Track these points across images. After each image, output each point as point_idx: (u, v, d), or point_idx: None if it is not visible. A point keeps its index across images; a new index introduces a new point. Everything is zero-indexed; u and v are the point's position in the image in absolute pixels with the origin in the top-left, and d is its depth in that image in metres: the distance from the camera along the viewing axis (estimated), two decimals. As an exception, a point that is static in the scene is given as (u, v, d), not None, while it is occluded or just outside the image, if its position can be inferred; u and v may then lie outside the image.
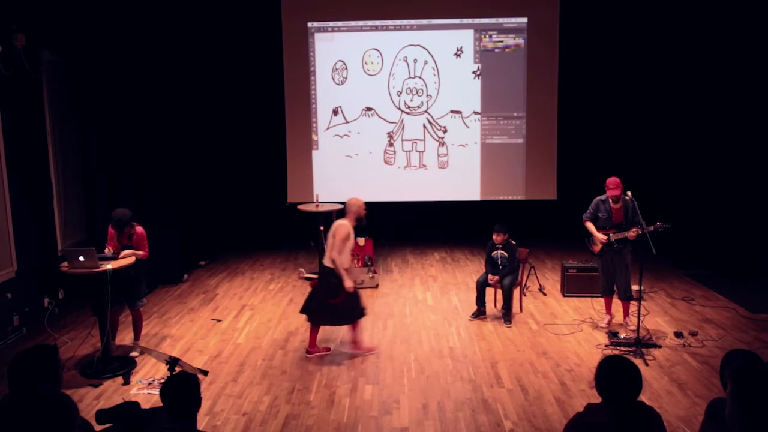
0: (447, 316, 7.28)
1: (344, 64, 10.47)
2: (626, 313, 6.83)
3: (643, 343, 6.13)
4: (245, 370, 5.84)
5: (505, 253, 7.14)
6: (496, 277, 7.09)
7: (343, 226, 6.05)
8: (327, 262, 6.08)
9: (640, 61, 10.20)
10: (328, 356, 6.16)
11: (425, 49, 10.40)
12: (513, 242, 7.23)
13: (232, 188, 10.74)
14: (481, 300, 7.20)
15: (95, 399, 5.31)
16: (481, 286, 7.19)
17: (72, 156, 8.26)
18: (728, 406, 2.34)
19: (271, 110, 10.55)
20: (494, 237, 7.15)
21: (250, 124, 10.64)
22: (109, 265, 5.73)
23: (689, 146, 9.98)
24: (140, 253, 6.14)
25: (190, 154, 10.33)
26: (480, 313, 7.20)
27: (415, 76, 10.47)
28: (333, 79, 10.51)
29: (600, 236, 6.56)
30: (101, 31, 8.42)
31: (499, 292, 7.46)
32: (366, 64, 10.46)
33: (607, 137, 10.35)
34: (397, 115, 10.55)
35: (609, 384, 2.73)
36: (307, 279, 8.73)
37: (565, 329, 6.78)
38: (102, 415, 3.35)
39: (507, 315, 7.06)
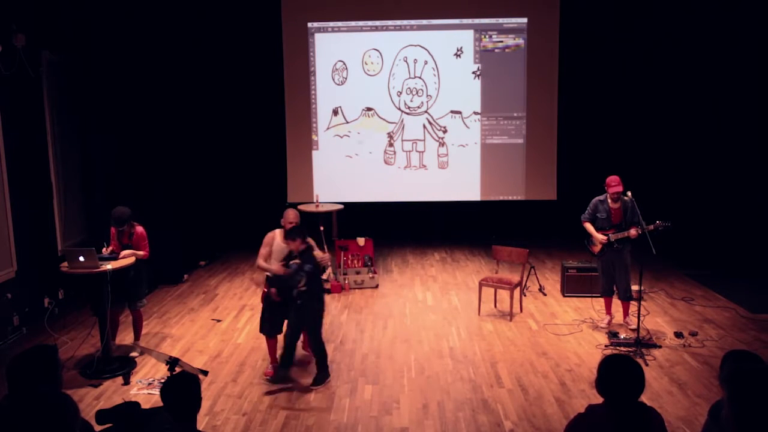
0: (447, 316, 7.27)
1: (344, 64, 10.47)
2: (626, 313, 6.83)
3: (643, 343, 6.13)
4: (245, 370, 5.84)
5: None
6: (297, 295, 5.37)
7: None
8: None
9: (640, 61, 10.20)
10: (328, 356, 6.15)
11: (425, 49, 10.40)
12: (311, 242, 5.50)
13: (233, 188, 10.74)
14: (289, 357, 5.58)
15: (95, 399, 5.31)
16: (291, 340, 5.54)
17: (72, 156, 8.26)
18: (724, 410, 2.34)
19: (271, 110, 10.56)
20: (290, 244, 5.38)
21: (250, 124, 10.65)
22: (109, 265, 5.73)
23: (689, 146, 9.98)
24: (140, 253, 6.14)
25: (190, 154, 10.34)
26: (286, 365, 5.57)
27: (415, 77, 10.47)
28: (333, 79, 10.51)
29: (599, 237, 6.56)
30: (101, 31, 8.43)
31: (500, 291, 7.48)
32: (366, 64, 10.46)
33: (607, 137, 10.36)
34: (397, 115, 10.55)
35: (611, 384, 2.71)
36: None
37: (565, 329, 6.78)
38: (102, 415, 3.35)
39: (318, 376, 5.54)
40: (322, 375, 5.58)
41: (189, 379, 2.86)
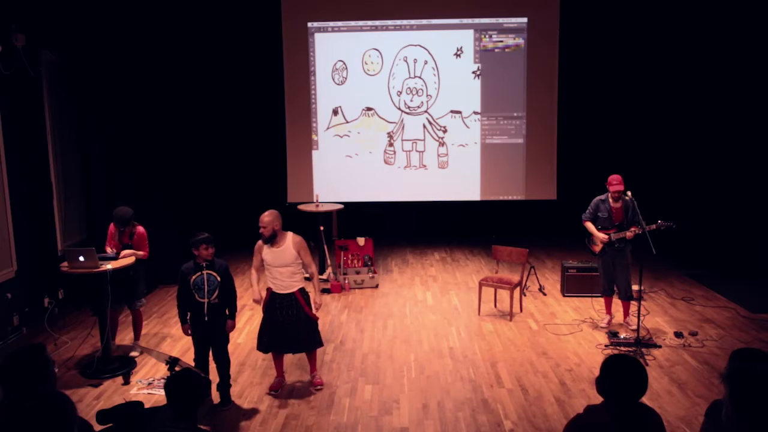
0: (447, 316, 7.27)
1: (344, 64, 10.47)
2: (626, 313, 6.83)
3: (643, 343, 6.13)
4: (245, 370, 5.84)
5: (216, 276, 5.09)
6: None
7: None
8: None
9: (640, 61, 10.20)
10: (328, 356, 6.16)
11: (425, 49, 10.40)
12: (223, 263, 5.21)
13: (232, 188, 10.74)
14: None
15: (95, 399, 5.31)
16: None
17: (72, 156, 8.26)
18: (725, 408, 2.33)
19: (271, 110, 10.56)
20: (202, 251, 5.09)
21: (250, 124, 10.64)
22: (109, 265, 5.73)
23: (689, 146, 9.98)
24: (140, 253, 6.14)
25: (190, 154, 10.33)
26: None
27: (415, 76, 10.47)
28: (333, 79, 10.51)
29: (601, 236, 6.56)
30: (101, 30, 8.43)
31: (500, 291, 7.48)
32: (366, 64, 10.46)
33: (607, 137, 10.36)
34: (397, 115, 10.55)
35: (615, 384, 2.69)
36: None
37: (565, 329, 6.78)
38: (102, 416, 3.34)
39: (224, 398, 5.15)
40: (226, 398, 5.19)
41: (193, 376, 2.87)
